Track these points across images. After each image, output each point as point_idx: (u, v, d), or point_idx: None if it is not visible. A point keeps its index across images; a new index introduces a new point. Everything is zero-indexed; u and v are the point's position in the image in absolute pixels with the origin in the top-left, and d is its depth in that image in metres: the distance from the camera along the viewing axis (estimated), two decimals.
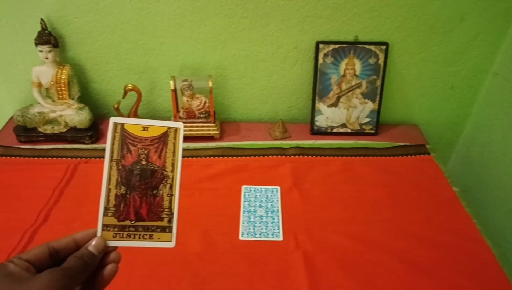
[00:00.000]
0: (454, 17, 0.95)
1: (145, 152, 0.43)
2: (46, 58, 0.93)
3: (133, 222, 0.42)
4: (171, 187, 0.43)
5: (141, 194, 0.42)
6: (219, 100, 1.08)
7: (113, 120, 0.42)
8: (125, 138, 0.42)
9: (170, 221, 0.42)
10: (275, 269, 0.69)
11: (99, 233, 0.41)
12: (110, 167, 0.42)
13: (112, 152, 0.42)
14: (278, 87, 1.06)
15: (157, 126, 0.43)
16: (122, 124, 0.42)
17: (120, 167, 0.42)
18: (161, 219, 0.42)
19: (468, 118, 1.14)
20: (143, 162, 0.43)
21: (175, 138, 0.43)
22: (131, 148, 0.42)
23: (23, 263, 0.36)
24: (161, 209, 0.43)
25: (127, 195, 0.42)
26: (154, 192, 0.43)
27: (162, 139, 0.43)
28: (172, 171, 0.43)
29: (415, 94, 1.08)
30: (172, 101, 0.96)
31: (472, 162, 1.13)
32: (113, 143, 0.42)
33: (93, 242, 0.40)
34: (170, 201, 0.43)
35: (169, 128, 0.43)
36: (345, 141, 1.02)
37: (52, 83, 0.96)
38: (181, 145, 0.43)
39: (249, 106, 1.10)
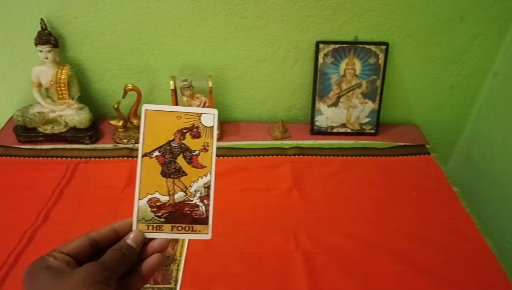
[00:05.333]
0: (454, 17, 0.95)
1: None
2: (46, 58, 0.93)
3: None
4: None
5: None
6: (219, 100, 1.08)
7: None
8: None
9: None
10: (275, 269, 0.69)
11: (134, 226, 0.41)
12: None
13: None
14: (278, 87, 1.06)
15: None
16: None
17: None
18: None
19: (468, 118, 1.14)
20: None
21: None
22: None
23: (63, 256, 0.36)
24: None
25: None
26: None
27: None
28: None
29: (415, 94, 1.08)
30: (172, 101, 0.96)
31: (472, 162, 1.13)
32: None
33: (131, 235, 0.40)
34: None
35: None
36: (345, 141, 1.02)
37: (52, 83, 0.96)
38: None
39: (249, 106, 1.10)
